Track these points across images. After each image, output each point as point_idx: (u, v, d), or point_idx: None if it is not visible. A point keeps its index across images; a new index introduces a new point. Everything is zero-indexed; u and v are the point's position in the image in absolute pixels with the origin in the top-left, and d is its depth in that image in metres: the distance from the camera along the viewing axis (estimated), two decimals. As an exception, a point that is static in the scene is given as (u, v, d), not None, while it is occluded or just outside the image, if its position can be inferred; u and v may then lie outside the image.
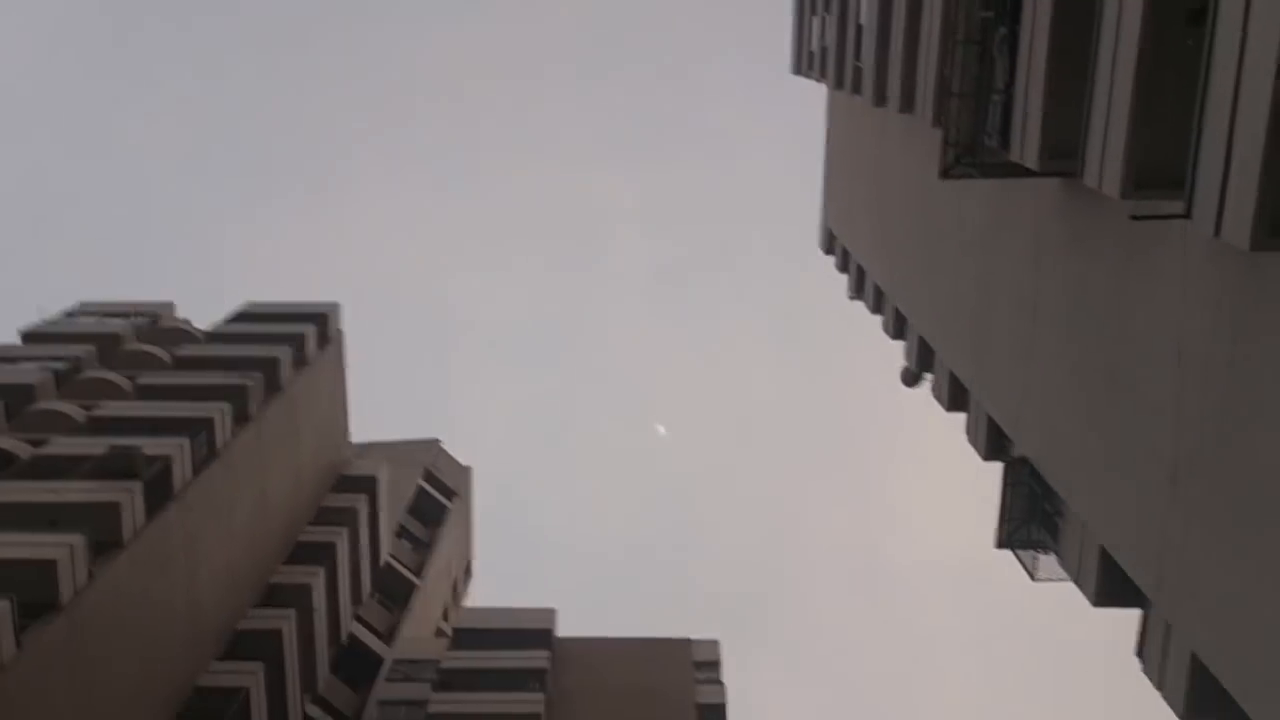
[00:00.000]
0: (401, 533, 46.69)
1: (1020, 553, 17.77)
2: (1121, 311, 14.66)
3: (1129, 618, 15.56)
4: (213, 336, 38.85)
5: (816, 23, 30.71)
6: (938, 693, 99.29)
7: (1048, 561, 17.26)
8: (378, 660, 38.92)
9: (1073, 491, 16.46)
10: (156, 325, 39.53)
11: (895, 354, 27.42)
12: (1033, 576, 17.37)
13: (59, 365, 34.45)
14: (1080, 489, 16.22)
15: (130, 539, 26.19)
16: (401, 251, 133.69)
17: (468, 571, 54.04)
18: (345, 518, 38.38)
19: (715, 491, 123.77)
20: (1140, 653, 14.79)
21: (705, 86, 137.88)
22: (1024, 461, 17.94)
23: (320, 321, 40.09)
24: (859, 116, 29.09)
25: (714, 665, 38.22)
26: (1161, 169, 12.27)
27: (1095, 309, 15.48)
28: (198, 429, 30.20)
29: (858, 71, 25.76)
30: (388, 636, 40.96)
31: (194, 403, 31.54)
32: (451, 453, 53.64)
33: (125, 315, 39.17)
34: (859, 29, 25.55)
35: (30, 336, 37.38)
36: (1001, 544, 17.98)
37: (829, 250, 34.47)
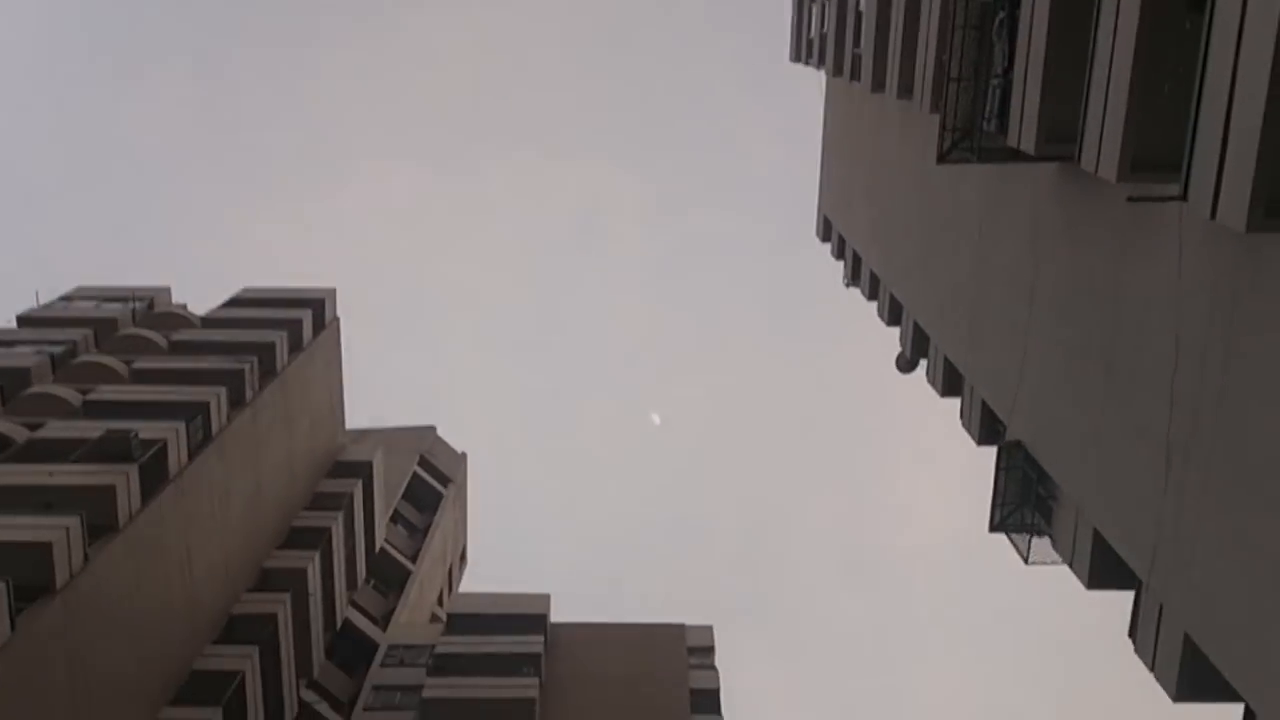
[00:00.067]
0: (397, 519, 46.80)
1: (1014, 536, 17.84)
2: (1117, 296, 14.72)
3: (1121, 602, 15.66)
4: (208, 322, 38.84)
5: (815, 9, 30.74)
6: (930, 678, 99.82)
7: (1041, 545, 17.34)
8: (373, 645, 39.03)
9: (1066, 475, 16.54)
10: (152, 310, 39.49)
11: (890, 341, 27.53)
12: (1026, 560, 17.44)
13: (55, 349, 34.44)
14: (1074, 472, 16.30)
15: (125, 522, 26.23)
16: (398, 239, 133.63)
17: (463, 557, 54.16)
18: (340, 503, 38.44)
19: (709, 479, 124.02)
20: (1132, 634, 14.87)
21: (702, 74, 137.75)
22: (1018, 445, 18.02)
23: (316, 307, 40.11)
24: (857, 104, 29.12)
25: (708, 651, 38.39)
26: (1159, 153, 12.33)
27: (1091, 294, 15.54)
28: (193, 413, 30.21)
29: (856, 58, 25.80)
30: (383, 622, 41.08)
31: (189, 387, 31.56)
32: (447, 439, 53.74)
33: (121, 300, 39.10)
34: (858, 15, 25.59)
35: (26, 320, 37.34)
36: (995, 527, 18.06)
37: (825, 238, 34.53)
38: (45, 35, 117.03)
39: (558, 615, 39.56)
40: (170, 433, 28.64)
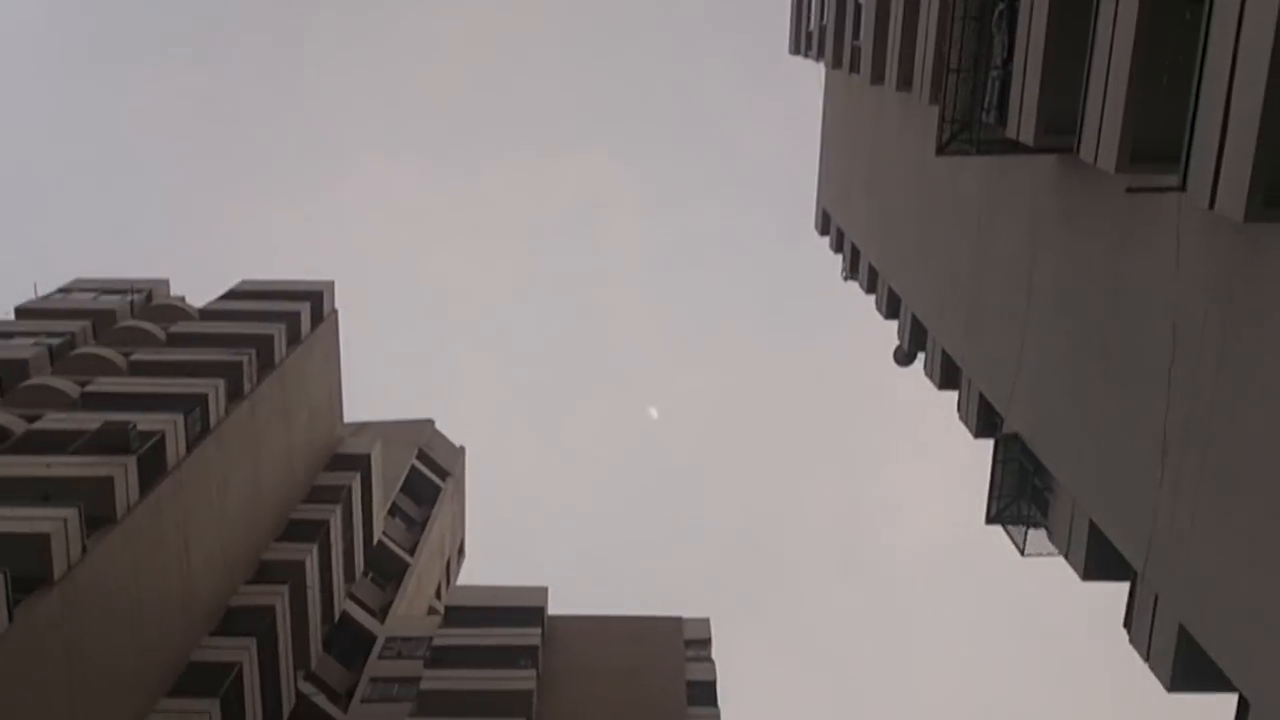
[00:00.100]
0: (395, 512, 46.82)
1: (1010, 528, 17.88)
2: (1115, 288, 14.73)
3: (1115, 598, 15.69)
4: (207, 314, 38.78)
5: (815, 1, 30.72)
6: (926, 671, 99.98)
7: (1037, 537, 17.38)
8: (370, 638, 39.07)
9: (1063, 466, 16.57)
10: (151, 302, 39.50)
11: (888, 335, 27.54)
12: (1022, 551, 17.48)
13: (53, 341, 34.44)
14: (1071, 464, 16.33)
15: (123, 514, 26.22)
16: (396, 232, 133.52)
17: (460, 550, 54.20)
18: (339, 496, 38.45)
19: (707, 472, 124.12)
20: (1127, 625, 14.91)
21: (701, 67, 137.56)
22: (1015, 438, 18.05)
23: (314, 300, 40.06)
24: (856, 97, 29.11)
25: (705, 643, 38.41)
26: (1158, 144, 12.34)
27: (1089, 286, 15.55)
28: (191, 405, 30.20)
29: (856, 50, 25.79)
30: (380, 614, 41.12)
31: (188, 379, 31.53)
32: (445, 433, 53.76)
33: (120, 292, 39.09)
34: (858, 6, 25.57)
35: (24, 312, 37.31)
36: (992, 519, 18.10)
37: (824, 231, 34.52)
38: (44, 26, 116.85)
39: (555, 608, 39.60)
40: (168, 425, 28.63)
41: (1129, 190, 12.30)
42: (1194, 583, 12.89)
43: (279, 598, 32.47)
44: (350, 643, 38.56)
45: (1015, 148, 15.39)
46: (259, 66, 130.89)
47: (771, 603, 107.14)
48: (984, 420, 20.52)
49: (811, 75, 34.17)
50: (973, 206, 20.42)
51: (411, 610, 43.72)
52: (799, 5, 32.65)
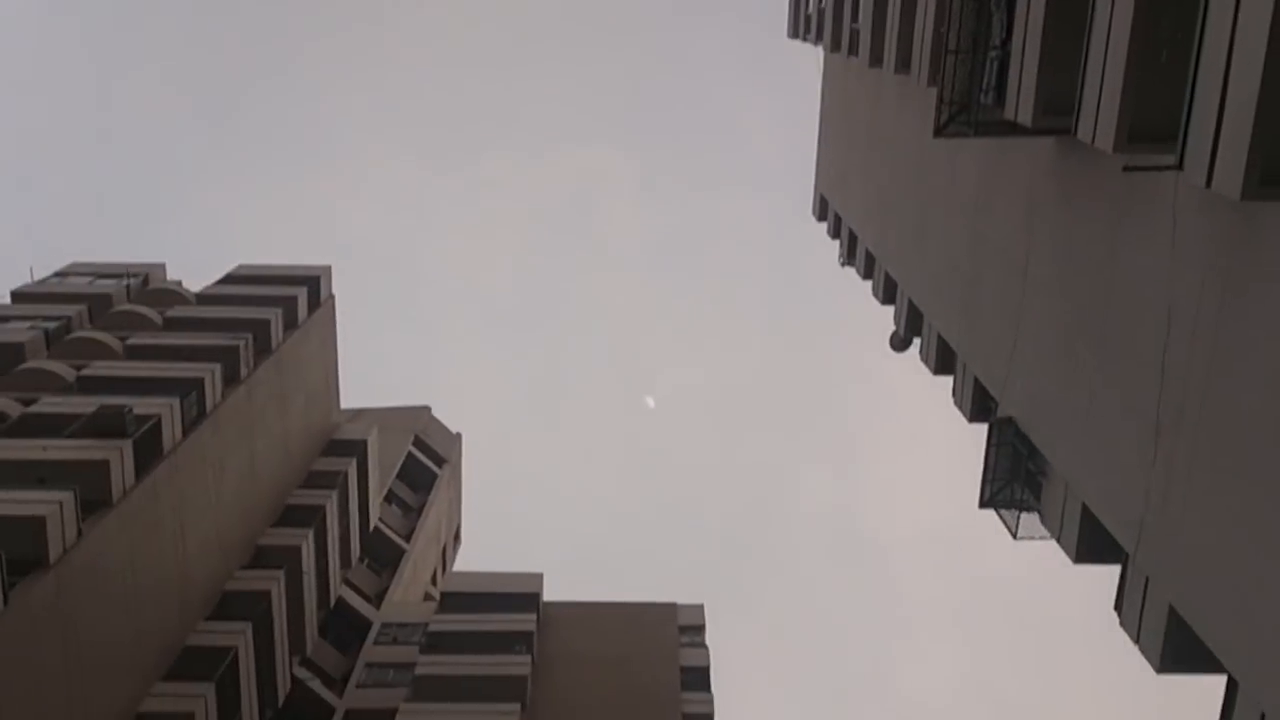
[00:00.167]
0: (391, 498, 46.84)
1: (1003, 512, 17.90)
2: (1111, 270, 14.71)
3: (1107, 577, 15.72)
4: (203, 298, 38.72)
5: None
6: (918, 656, 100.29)
7: (1029, 520, 17.39)
8: (366, 623, 39.12)
9: (1056, 450, 16.58)
10: (147, 286, 39.44)
11: (885, 321, 27.53)
12: (1015, 535, 17.49)
13: (49, 325, 34.42)
14: (1064, 447, 16.34)
15: (119, 498, 26.21)
16: (394, 220, 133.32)
17: (456, 537, 54.25)
18: (335, 481, 38.45)
19: (703, 460, 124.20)
20: (1118, 607, 14.94)
21: (699, 53, 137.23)
22: (1009, 421, 18.05)
23: (311, 285, 40.00)
24: (854, 81, 29.06)
25: (699, 629, 38.52)
26: (1155, 124, 12.30)
27: (1085, 269, 15.53)
28: (187, 389, 30.17)
29: (854, 32, 25.74)
30: (376, 600, 41.17)
31: (184, 363, 31.50)
32: (442, 420, 53.75)
33: (116, 276, 39.05)
34: (856, -11, 25.50)
35: (20, 296, 37.30)
36: (985, 503, 18.11)
37: (822, 217, 34.48)
38: (41, 9, 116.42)
39: (550, 594, 39.67)
40: (164, 409, 28.60)
41: (1126, 169, 12.27)
42: (1185, 565, 12.90)
43: (275, 583, 32.49)
44: (346, 628, 38.61)
45: (1013, 129, 15.36)
46: (257, 51, 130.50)
47: (764, 588, 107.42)
48: (978, 405, 20.52)
49: (810, 59, 34.14)
50: (970, 191, 20.40)
51: (407, 596, 43.77)
52: (798, -11, 32.56)
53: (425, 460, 50.14)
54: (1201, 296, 12.43)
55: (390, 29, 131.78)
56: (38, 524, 23.14)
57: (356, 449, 40.82)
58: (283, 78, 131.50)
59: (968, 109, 15.82)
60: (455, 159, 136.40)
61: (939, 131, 16.33)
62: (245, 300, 37.36)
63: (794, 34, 33.06)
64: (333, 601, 37.70)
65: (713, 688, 35.83)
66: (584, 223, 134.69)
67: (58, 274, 39.50)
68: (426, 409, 53.40)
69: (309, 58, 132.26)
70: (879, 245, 27.96)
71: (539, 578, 39.53)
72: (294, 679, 33.92)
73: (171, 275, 41.37)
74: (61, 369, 31.65)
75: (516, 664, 34.49)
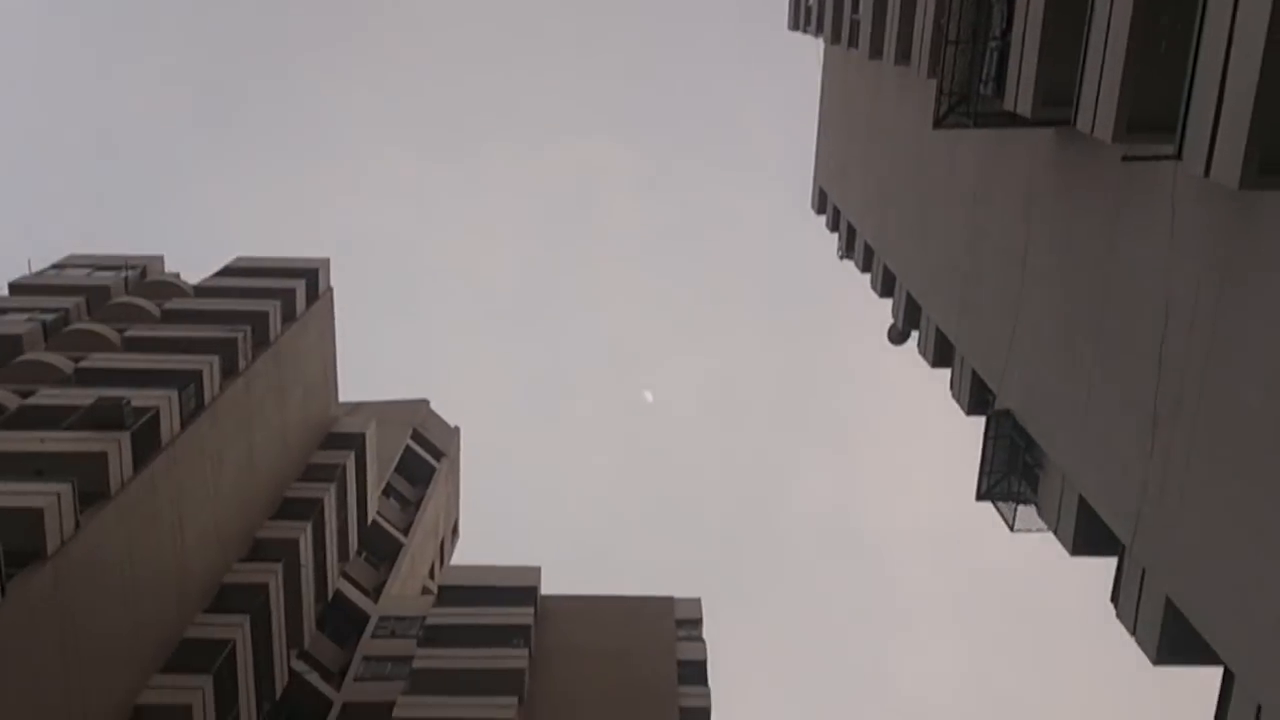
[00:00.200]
0: (389, 491, 46.82)
1: (1000, 504, 17.90)
2: (1109, 263, 14.70)
3: (1104, 570, 15.72)
4: (201, 290, 38.68)
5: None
6: (916, 649, 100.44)
7: (1026, 513, 17.40)
8: (364, 616, 39.12)
9: (1054, 442, 16.58)
10: (145, 278, 39.38)
11: (883, 316, 27.51)
12: (1011, 527, 17.50)
13: (47, 317, 34.37)
14: (1061, 439, 16.34)
15: (117, 490, 26.19)
16: (393, 213, 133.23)
17: (454, 531, 54.25)
18: (333, 474, 38.42)
19: (701, 454, 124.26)
20: (1115, 599, 14.94)
21: (699, 46, 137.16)
22: (1007, 414, 18.05)
23: (310, 277, 39.96)
24: (854, 73, 29.03)
25: (696, 623, 38.54)
26: (1154, 114, 12.31)
27: (1084, 260, 15.53)
28: (185, 382, 30.14)
29: (855, 24, 25.73)
30: (374, 593, 41.18)
31: (182, 355, 31.46)
32: (440, 413, 53.74)
33: (114, 268, 38.98)
34: (857, -19, 25.47)
35: (18, 288, 37.23)
36: (982, 496, 18.11)
37: (821, 209, 34.46)
38: (39, 10, 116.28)
39: (548, 588, 39.68)
40: (162, 401, 28.58)
41: (1125, 159, 12.25)
42: (1181, 556, 12.91)
43: (273, 575, 32.48)
44: (344, 621, 38.61)
45: (1013, 120, 15.35)
46: (257, 45, 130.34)
47: (762, 582, 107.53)
48: (976, 398, 20.51)
49: (810, 51, 34.10)
50: (968, 183, 20.38)
51: (405, 589, 43.78)
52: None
53: (423, 454, 50.12)
54: (1200, 287, 12.42)
55: (389, 22, 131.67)
56: (35, 516, 23.12)
57: (355, 442, 40.81)
58: (281, 72, 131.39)
59: (967, 100, 15.81)
60: (455, 151, 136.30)
61: (939, 123, 16.31)
62: (243, 293, 37.31)
63: (794, 26, 33.05)
64: (330, 594, 37.69)
65: (710, 682, 35.88)
66: (584, 215, 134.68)
67: (55, 266, 39.41)
68: (425, 402, 53.39)
69: (307, 51, 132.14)
70: (878, 238, 27.95)
71: (536, 571, 39.53)
72: (292, 672, 33.93)
73: (170, 268, 41.29)
74: (59, 361, 31.61)
75: (514, 657, 34.50)
